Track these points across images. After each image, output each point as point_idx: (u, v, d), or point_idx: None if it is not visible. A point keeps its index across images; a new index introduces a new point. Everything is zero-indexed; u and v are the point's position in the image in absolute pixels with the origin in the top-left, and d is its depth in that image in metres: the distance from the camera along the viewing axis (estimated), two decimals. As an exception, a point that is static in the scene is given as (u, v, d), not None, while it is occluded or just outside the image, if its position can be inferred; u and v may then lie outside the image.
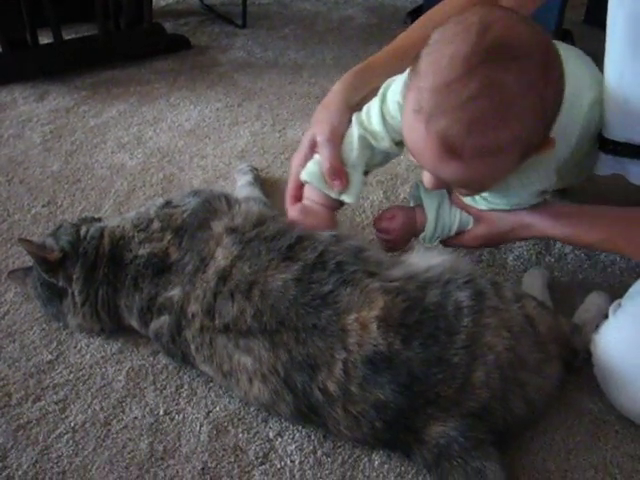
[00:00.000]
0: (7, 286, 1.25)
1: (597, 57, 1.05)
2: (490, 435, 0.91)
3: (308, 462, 0.97)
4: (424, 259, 1.05)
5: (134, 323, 1.11)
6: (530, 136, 0.86)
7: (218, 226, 1.08)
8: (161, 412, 1.03)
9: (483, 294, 0.97)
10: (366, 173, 1.14)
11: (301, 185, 1.12)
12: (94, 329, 1.15)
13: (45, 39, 2.00)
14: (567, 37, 2.05)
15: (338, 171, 1.06)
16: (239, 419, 1.03)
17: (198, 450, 0.98)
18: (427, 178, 0.96)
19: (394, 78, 1.03)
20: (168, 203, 1.17)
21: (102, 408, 1.04)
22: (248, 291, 0.98)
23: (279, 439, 1.00)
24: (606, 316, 1.05)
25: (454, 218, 1.13)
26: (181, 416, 1.03)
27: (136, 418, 1.03)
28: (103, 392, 1.07)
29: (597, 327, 1.04)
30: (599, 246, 1.17)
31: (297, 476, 0.95)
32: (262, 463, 0.96)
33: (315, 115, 1.12)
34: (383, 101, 1.05)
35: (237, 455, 0.98)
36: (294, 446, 0.99)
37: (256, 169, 1.55)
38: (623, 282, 1.25)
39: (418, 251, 1.08)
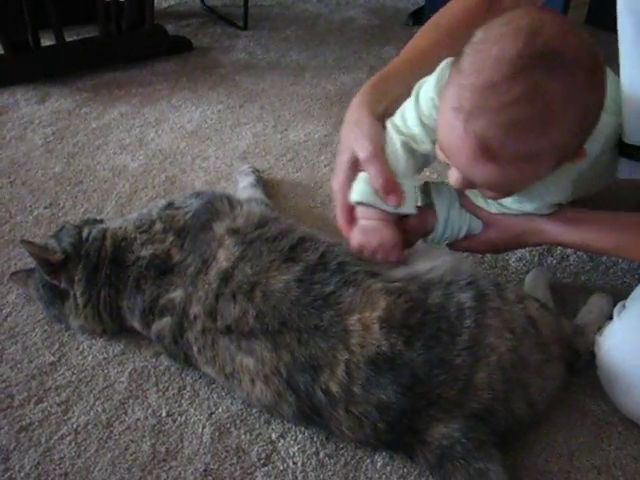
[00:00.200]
0: (9, 288, 1.25)
1: (603, 58, 1.05)
2: (492, 436, 0.91)
3: (311, 464, 0.96)
4: (426, 260, 1.05)
5: (136, 324, 1.11)
6: (568, 145, 0.85)
7: (220, 227, 1.08)
8: (163, 414, 1.03)
9: (485, 295, 0.97)
10: None
11: (351, 208, 1.07)
12: (96, 331, 1.15)
13: (47, 41, 2.00)
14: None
15: (392, 185, 1.01)
16: (241, 420, 1.02)
17: (200, 452, 0.98)
18: (455, 177, 0.93)
19: (426, 78, 1.01)
20: (170, 204, 1.17)
21: (104, 410, 1.04)
22: (250, 292, 0.98)
23: (281, 440, 1.00)
24: (610, 317, 1.05)
25: (464, 221, 1.11)
26: (183, 418, 1.03)
27: (138, 420, 1.03)
28: (105, 394, 1.07)
29: (600, 329, 1.04)
30: (610, 252, 1.16)
31: (300, 478, 0.95)
32: (264, 465, 0.96)
33: (345, 134, 1.07)
34: (417, 102, 1.01)
35: (239, 456, 0.97)
36: (296, 447, 0.99)
37: (258, 170, 1.55)
38: (625, 284, 1.25)
39: (420, 252, 1.07)
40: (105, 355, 1.13)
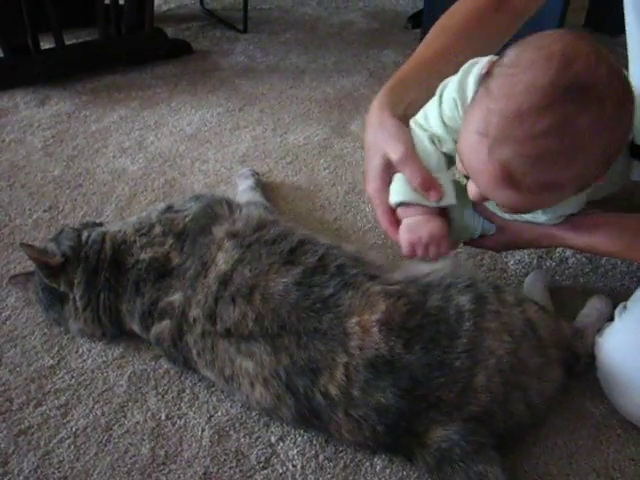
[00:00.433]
0: (8, 291, 1.25)
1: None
2: (491, 439, 0.91)
3: (310, 466, 0.96)
4: (425, 263, 1.06)
5: (135, 328, 1.11)
6: (591, 175, 0.84)
7: (219, 231, 1.08)
8: (163, 417, 1.03)
9: (484, 298, 0.97)
10: None
11: (392, 211, 1.06)
12: (95, 334, 1.15)
13: (46, 44, 2.00)
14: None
15: (430, 181, 1.00)
16: (241, 424, 1.02)
17: (200, 455, 0.98)
18: (474, 192, 0.92)
19: (449, 79, 0.99)
20: (170, 208, 1.17)
21: (104, 413, 1.04)
22: (249, 295, 0.98)
23: (281, 443, 1.00)
24: (610, 319, 1.05)
25: (478, 224, 1.11)
26: (183, 421, 1.03)
27: (138, 423, 1.03)
28: (105, 397, 1.07)
29: (599, 330, 1.05)
30: (620, 255, 1.16)
31: (299, 480, 0.95)
32: (264, 468, 0.96)
33: (372, 138, 1.07)
34: (440, 102, 1.00)
35: (239, 460, 0.98)
36: (296, 450, 0.99)
37: (257, 173, 1.55)
38: (624, 286, 1.25)
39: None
40: (104, 358, 1.13)
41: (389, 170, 1.04)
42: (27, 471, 0.95)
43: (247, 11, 2.40)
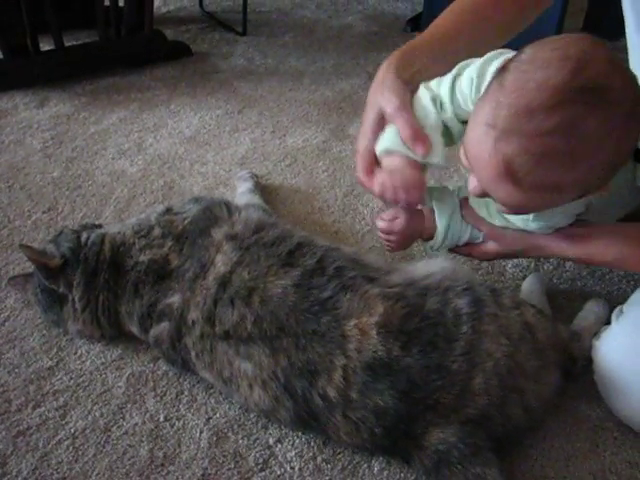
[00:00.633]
0: (7, 292, 1.26)
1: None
2: (489, 442, 0.91)
3: (308, 468, 0.97)
4: (423, 266, 1.06)
5: (134, 329, 1.11)
6: (593, 182, 0.84)
7: (218, 233, 1.08)
8: (161, 418, 1.04)
9: (482, 301, 0.97)
10: None
11: (371, 161, 1.06)
12: (94, 335, 1.15)
13: (46, 46, 2.00)
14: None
15: (420, 134, 0.99)
16: (239, 425, 1.03)
17: (198, 456, 0.98)
18: (474, 185, 0.92)
19: (472, 60, 0.99)
20: (169, 210, 1.18)
21: (102, 414, 1.04)
22: (248, 297, 0.99)
23: (279, 445, 1.00)
24: (607, 322, 1.06)
25: (464, 231, 1.11)
26: (181, 422, 1.03)
27: (136, 424, 1.03)
28: (103, 398, 1.07)
29: (596, 334, 1.05)
30: (610, 265, 1.16)
31: (297, 482, 0.95)
32: (262, 469, 0.97)
33: (372, 94, 1.07)
34: (458, 75, 0.99)
35: (237, 461, 0.98)
36: (294, 452, 0.99)
37: (256, 176, 1.55)
38: (621, 289, 1.26)
39: (417, 257, 1.08)
40: (103, 360, 1.13)
41: (381, 124, 1.04)
42: (26, 472, 0.96)
43: (246, 13, 2.40)
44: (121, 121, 1.84)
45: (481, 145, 0.84)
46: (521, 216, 1.01)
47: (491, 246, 1.10)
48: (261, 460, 0.98)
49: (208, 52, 2.28)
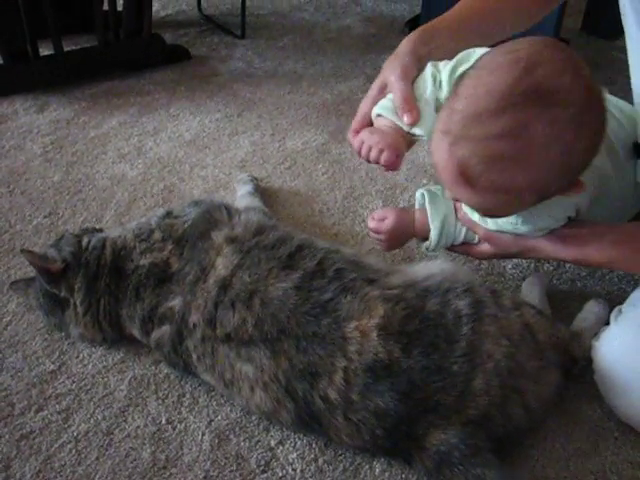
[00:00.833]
0: (9, 297, 1.26)
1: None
2: (490, 442, 0.91)
3: (310, 470, 0.97)
4: (423, 267, 1.06)
5: (136, 333, 1.12)
6: (548, 184, 0.85)
7: (218, 236, 1.08)
8: (163, 421, 1.04)
9: (482, 302, 0.97)
10: None
11: (365, 122, 1.10)
12: (96, 339, 1.16)
13: (45, 50, 2.01)
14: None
15: (410, 105, 1.02)
16: (241, 428, 1.03)
17: (200, 459, 0.99)
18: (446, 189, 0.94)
19: (475, 50, 1.00)
20: (169, 213, 1.18)
21: (104, 417, 1.05)
22: (249, 300, 0.99)
23: (280, 447, 1.00)
24: (607, 323, 1.06)
25: (459, 232, 1.12)
26: (183, 425, 1.03)
27: (138, 427, 1.03)
28: (105, 401, 1.07)
29: (596, 334, 1.05)
30: (608, 266, 1.17)
31: (299, 484, 0.95)
32: (264, 471, 0.97)
33: (385, 64, 1.11)
34: (460, 60, 1.02)
35: (239, 463, 0.98)
36: (295, 454, 0.99)
37: (256, 179, 1.56)
38: (621, 290, 1.26)
39: (417, 259, 1.08)
40: (105, 363, 1.14)
41: (383, 90, 1.09)
42: (29, 476, 0.96)
43: (245, 16, 2.40)
44: (121, 125, 1.85)
45: (439, 151, 0.87)
46: (508, 220, 1.02)
47: (486, 248, 1.11)
48: (263, 462, 0.98)
49: (207, 55, 2.28)
